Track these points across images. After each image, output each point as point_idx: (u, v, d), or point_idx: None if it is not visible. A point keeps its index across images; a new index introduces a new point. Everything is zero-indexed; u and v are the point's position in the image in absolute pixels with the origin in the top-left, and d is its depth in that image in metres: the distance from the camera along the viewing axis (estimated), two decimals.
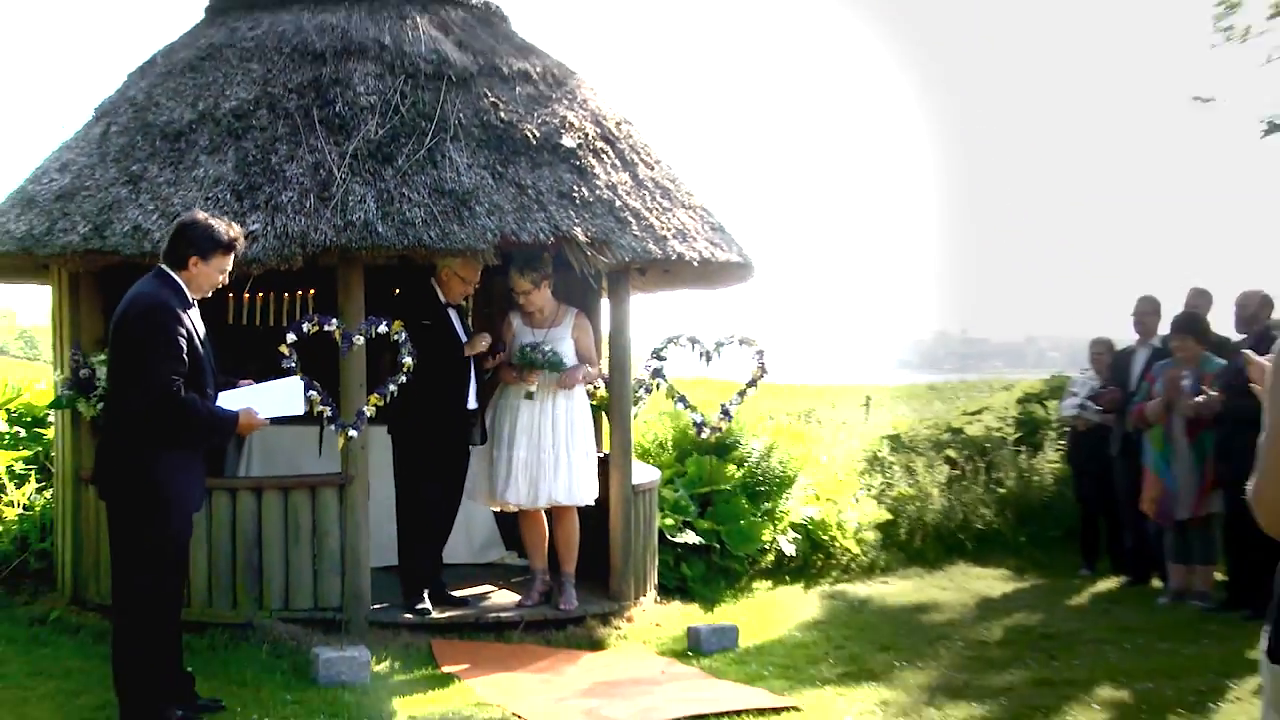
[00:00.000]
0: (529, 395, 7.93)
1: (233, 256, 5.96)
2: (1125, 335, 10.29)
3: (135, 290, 5.83)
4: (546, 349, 7.88)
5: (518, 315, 8.14)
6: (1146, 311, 10.07)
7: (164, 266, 5.86)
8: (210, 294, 6.04)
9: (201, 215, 6.05)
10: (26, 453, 9.90)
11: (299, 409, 6.44)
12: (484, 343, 8.04)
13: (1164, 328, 9.68)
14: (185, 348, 5.66)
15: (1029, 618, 8.76)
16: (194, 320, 5.81)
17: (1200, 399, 8.79)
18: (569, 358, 8.00)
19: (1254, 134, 17.31)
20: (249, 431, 6.28)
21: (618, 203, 8.10)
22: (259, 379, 6.28)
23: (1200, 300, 9.69)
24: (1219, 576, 9.24)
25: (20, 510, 9.32)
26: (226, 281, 6.07)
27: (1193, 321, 9.26)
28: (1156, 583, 9.62)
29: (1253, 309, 9.14)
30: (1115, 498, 10.07)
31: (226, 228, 5.94)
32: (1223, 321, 9.50)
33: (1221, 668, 7.13)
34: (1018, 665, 7.38)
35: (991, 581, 10.29)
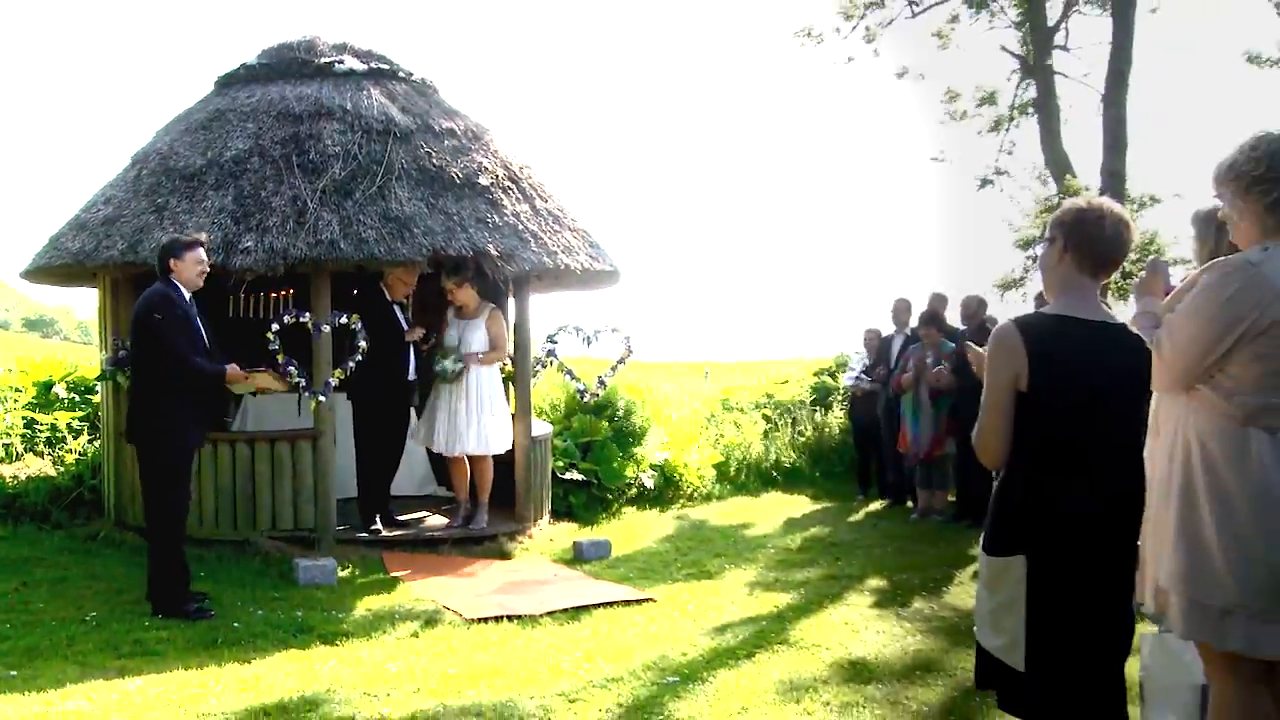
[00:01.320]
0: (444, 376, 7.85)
1: (200, 251, 6.03)
2: (887, 325, 10.42)
3: (147, 292, 6.06)
4: (450, 365, 7.76)
5: (451, 309, 7.99)
6: (901, 308, 10.22)
7: (161, 275, 6.03)
8: (201, 284, 6.08)
9: (172, 235, 6.36)
10: (81, 413, 9.88)
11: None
12: (418, 334, 7.96)
13: (914, 320, 9.84)
14: (186, 326, 5.89)
15: (821, 530, 8.81)
16: (190, 307, 5.97)
17: (938, 371, 8.96)
18: (481, 340, 7.88)
19: (972, 186, 18.08)
20: (234, 382, 6.17)
21: (520, 227, 7.98)
22: (248, 359, 6.37)
23: (939, 301, 9.83)
24: (951, 498, 9.42)
25: (77, 455, 9.24)
26: (207, 271, 6.11)
27: (934, 316, 9.42)
28: (909, 504, 9.76)
29: (973, 308, 9.37)
30: (881, 444, 10.21)
31: (189, 235, 6.18)
32: (954, 317, 9.68)
33: (953, 562, 7.30)
34: (813, 565, 7.42)
35: (794, 505, 10.33)
